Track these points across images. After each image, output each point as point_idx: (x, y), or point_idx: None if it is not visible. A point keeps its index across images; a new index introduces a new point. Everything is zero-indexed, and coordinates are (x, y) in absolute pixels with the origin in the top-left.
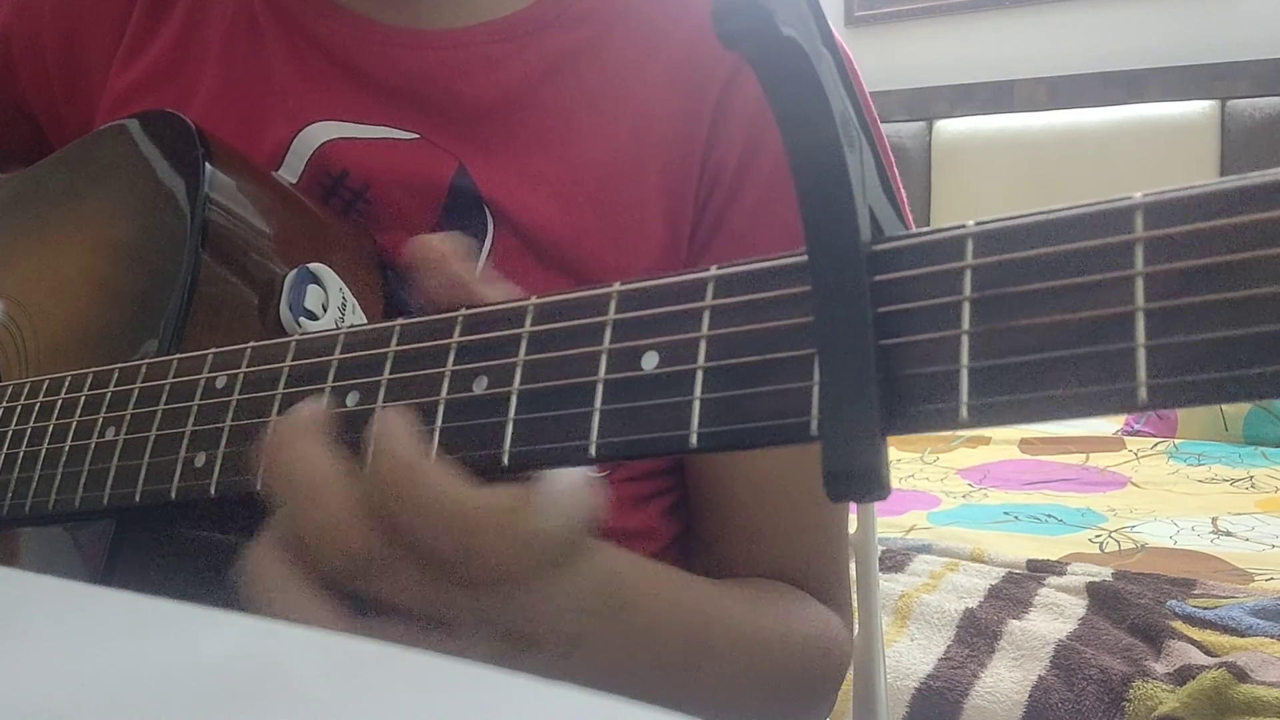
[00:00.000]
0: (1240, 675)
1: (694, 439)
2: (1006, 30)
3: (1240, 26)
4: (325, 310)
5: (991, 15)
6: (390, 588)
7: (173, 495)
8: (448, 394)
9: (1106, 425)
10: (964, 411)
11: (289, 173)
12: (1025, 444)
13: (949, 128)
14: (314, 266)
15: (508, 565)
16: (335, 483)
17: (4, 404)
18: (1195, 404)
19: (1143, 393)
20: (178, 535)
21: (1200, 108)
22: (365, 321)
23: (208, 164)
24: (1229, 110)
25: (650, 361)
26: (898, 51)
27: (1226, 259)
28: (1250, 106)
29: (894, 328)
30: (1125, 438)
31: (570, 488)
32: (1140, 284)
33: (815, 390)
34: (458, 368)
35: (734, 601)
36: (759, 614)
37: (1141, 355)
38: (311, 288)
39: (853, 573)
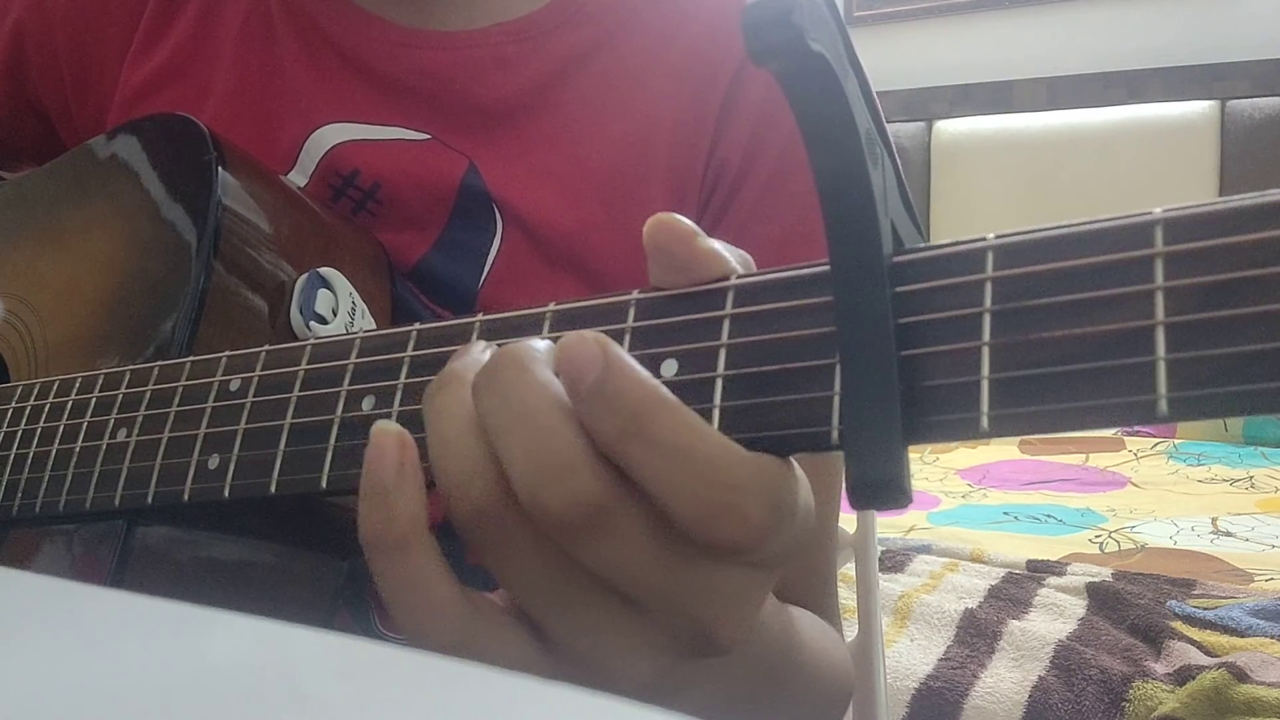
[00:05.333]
0: (1240, 675)
1: None
2: (1006, 30)
3: (1240, 26)
4: (335, 314)
5: (991, 15)
6: (614, 552)
7: (185, 497)
8: None
9: None
10: (984, 422)
11: (301, 173)
12: (1025, 444)
13: (948, 128)
14: (324, 271)
15: (768, 538)
16: (562, 410)
17: (13, 404)
18: (1214, 416)
19: (1163, 405)
20: (189, 537)
21: (1200, 108)
22: (374, 325)
23: (220, 169)
24: (1229, 110)
25: (669, 369)
26: (898, 51)
27: (1246, 274)
28: (1250, 106)
29: (915, 339)
30: (1125, 438)
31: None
32: (1160, 298)
33: (836, 400)
34: None
35: (802, 626)
36: (818, 640)
37: (1161, 369)
38: (322, 292)
39: (853, 573)
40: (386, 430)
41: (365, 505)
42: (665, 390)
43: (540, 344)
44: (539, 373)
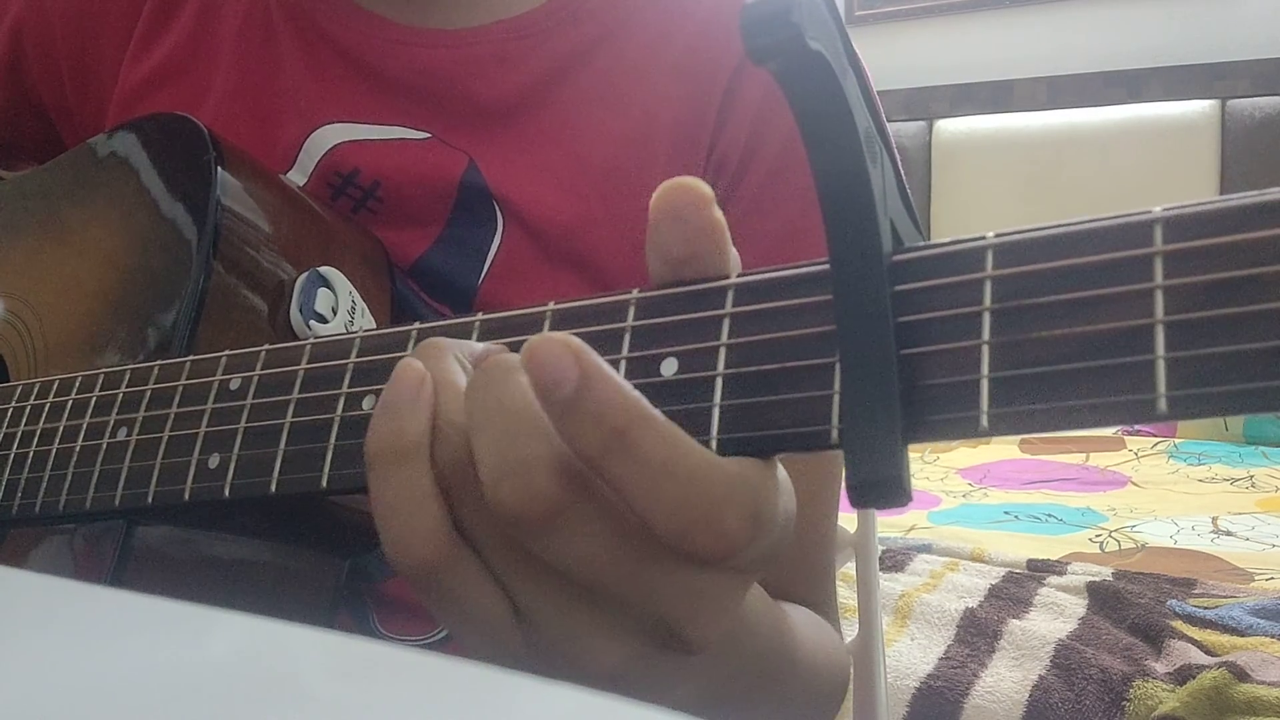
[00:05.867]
0: (1240, 675)
1: (713, 445)
2: (1006, 30)
3: (1240, 26)
4: (335, 313)
5: (991, 15)
6: (569, 550)
7: (186, 497)
8: None
9: None
10: (984, 420)
11: (300, 172)
12: (1025, 443)
13: (949, 127)
14: (324, 270)
15: (745, 549)
16: (534, 413)
17: (13, 404)
18: (1214, 415)
19: (1162, 404)
20: (189, 537)
21: (1200, 108)
22: (374, 324)
23: (219, 168)
24: (1229, 110)
25: (669, 368)
26: (898, 51)
27: (1246, 273)
28: (1250, 106)
29: (915, 337)
30: (1125, 437)
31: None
32: (1160, 297)
33: (835, 399)
34: None
35: (797, 623)
36: (813, 637)
37: (1161, 367)
38: (322, 291)
39: (853, 573)
40: (412, 364)
41: (377, 420)
42: (645, 402)
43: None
44: (524, 377)
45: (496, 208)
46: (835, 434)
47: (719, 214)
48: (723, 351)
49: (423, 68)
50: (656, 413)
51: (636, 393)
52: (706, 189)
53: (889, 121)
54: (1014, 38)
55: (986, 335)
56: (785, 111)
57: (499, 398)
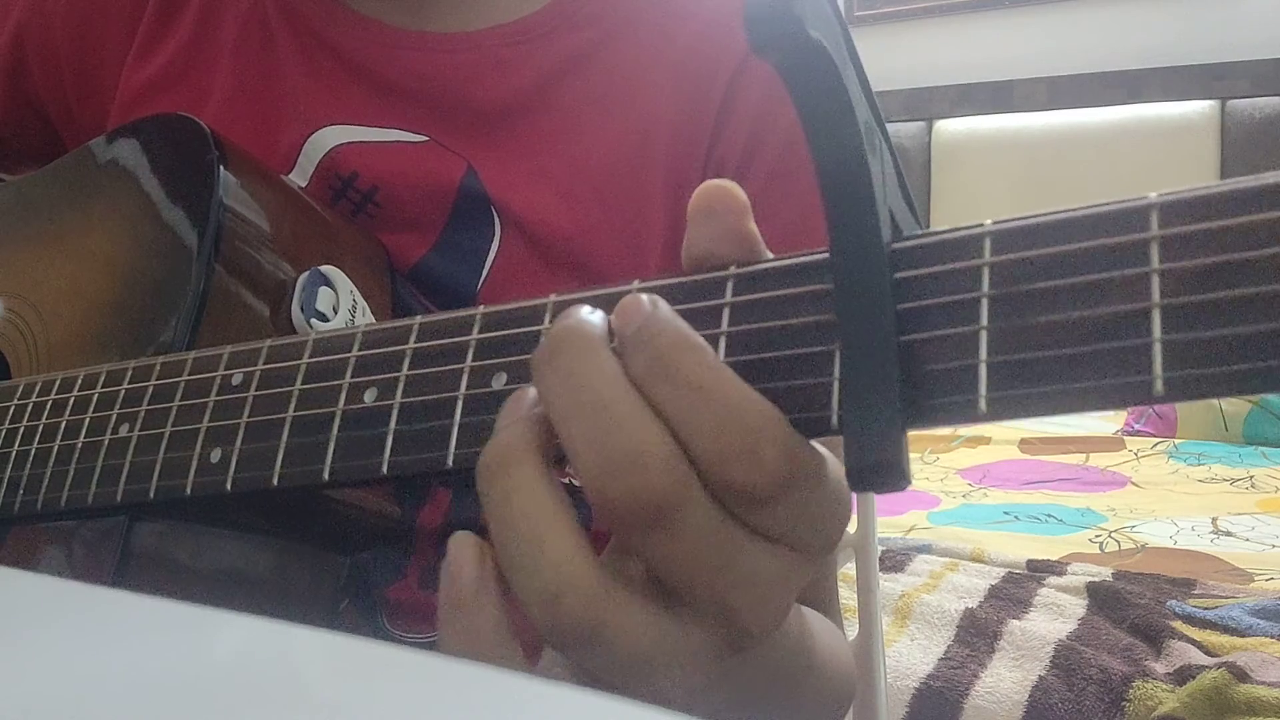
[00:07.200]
0: (1240, 675)
1: None
2: (1006, 30)
3: (1240, 26)
4: (336, 312)
5: (991, 15)
6: (671, 546)
7: (188, 491)
8: (466, 390)
9: (1106, 425)
10: (983, 404)
11: (300, 175)
12: (1025, 444)
13: (949, 128)
14: (325, 269)
15: (785, 489)
16: (629, 397)
17: (15, 401)
18: (1210, 396)
19: (1159, 385)
20: (191, 534)
21: (1200, 108)
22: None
23: (222, 168)
24: (1229, 110)
25: None
26: (898, 51)
27: (1240, 256)
28: (1250, 106)
29: (914, 324)
30: (1125, 438)
31: None
32: (1156, 281)
33: (835, 385)
34: (477, 364)
35: (814, 627)
36: (828, 643)
37: (1158, 350)
38: (323, 290)
39: (853, 573)
40: (466, 542)
41: (445, 618)
42: (695, 335)
43: (598, 319)
44: (602, 355)
45: (494, 213)
46: (835, 419)
47: (753, 227)
48: (723, 340)
49: (419, 72)
50: (700, 341)
51: (688, 327)
52: (743, 197)
53: (889, 122)
54: (1014, 38)
55: (985, 321)
56: (784, 115)
57: (585, 385)
